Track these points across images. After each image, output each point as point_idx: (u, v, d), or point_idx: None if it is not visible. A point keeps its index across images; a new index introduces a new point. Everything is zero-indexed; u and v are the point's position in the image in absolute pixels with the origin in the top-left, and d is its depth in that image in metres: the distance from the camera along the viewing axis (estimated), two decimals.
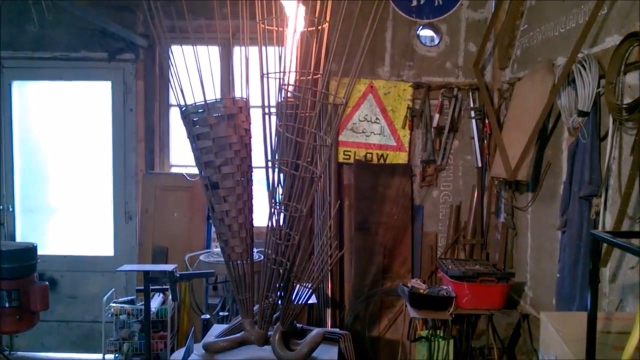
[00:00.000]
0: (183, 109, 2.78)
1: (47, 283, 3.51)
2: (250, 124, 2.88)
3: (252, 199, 2.88)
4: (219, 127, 2.75)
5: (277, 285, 2.70)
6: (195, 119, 2.80)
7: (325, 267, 2.70)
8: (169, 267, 3.58)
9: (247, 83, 2.83)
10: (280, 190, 2.70)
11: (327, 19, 2.61)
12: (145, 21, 4.64)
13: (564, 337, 1.93)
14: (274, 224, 2.64)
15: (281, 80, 2.57)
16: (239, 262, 2.81)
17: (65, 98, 4.84)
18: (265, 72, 2.68)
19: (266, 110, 2.74)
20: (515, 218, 4.12)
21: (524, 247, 3.94)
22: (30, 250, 3.41)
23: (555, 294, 3.18)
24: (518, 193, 4.07)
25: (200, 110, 2.76)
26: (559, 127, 3.38)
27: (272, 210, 2.67)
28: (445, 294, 3.58)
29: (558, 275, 3.12)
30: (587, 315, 1.74)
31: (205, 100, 2.74)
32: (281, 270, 2.65)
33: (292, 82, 2.60)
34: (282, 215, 2.62)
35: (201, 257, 4.15)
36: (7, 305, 3.27)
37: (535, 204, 3.74)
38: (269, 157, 2.74)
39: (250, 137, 2.88)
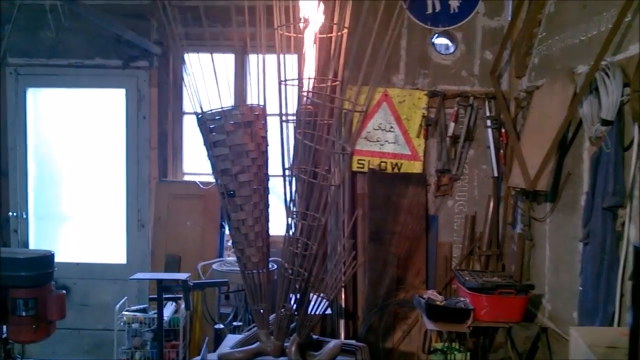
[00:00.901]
0: (199, 116, 2.72)
1: (64, 292, 3.40)
2: (267, 131, 2.82)
3: (268, 207, 2.82)
4: (236, 134, 2.69)
5: (294, 295, 2.63)
6: (211, 126, 2.74)
7: (343, 278, 2.62)
8: (182, 275, 3.52)
9: (264, 90, 2.78)
10: (296, 198, 2.63)
11: (347, 24, 2.54)
12: (160, 28, 4.60)
13: (597, 354, 1.84)
14: (292, 233, 2.57)
15: (300, 87, 2.50)
16: (255, 271, 2.74)
17: (79, 105, 4.81)
18: (283, 78, 2.62)
19: (284, 117, 2.67)
20: (533, 229, 4.02)
21: (541, 259, 3.84)
22: (47, 258, 3.30)
23: (578, 307, 3.08)
24: (535, 203, 3.98)
25: (217, 118, 2.71)
26: (580, 136, 3.30)
27: (290, 219, 2.60)
28: (463, 306, 3.49)
29: (580, 288, 3.03)
30: (629, 331, 1.65)
31: (222, 107, 2.69)
32: (298, 281, 2.58)
33: (310, 89, 2.54)
34: (299, 225, 2.55)
35: (214, 266, 4.08)
36: (23, 314, 3.15)
37: (554, 214, 3.65)
38: (286, 165, 2.67)
39: (267, 145, 2.82)
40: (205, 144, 2.77)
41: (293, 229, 2.61)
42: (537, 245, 3.95)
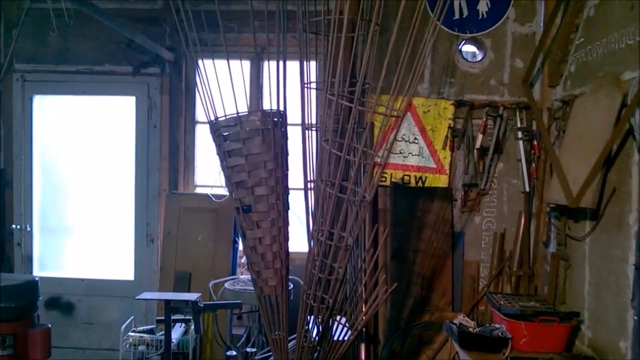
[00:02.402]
0: (212, 122, 2.42)
1: (49, 326, 2.89)
2: (287, 139, 2.51)
3: (287, 225, 2.49)
4: (252, 143, 2.38)
5: (316, 324, 2.29)
6: (225, 134, 2.43)
7: (372, 306, 2.29)
8: (192, 296, 3.21)
9: (284, 94, 2.47)
10: (320, 215, 2.30)
11: (378, 21, 2.23)
12: (172, 34, 4.32)
13: None
14: (315, 254, 2.24)
15: (327, 90, 2.18)
16: (272, 296, 2.41)
17: (87, 113, 4.52)
18: (307, 82, 2.31)
19: (306, 124, 2.35)
20: (569, 248, 3.67)
21: (579, 281, 3.48)
22: (30, 286, 2.80)
23: (632, 338, 2.72)
24: (572, 221, 3.63)
25: (231, 124, 2.40)
26: (627, 148, 2.95)
27: (313, 238, 2.27)
28: (500, 334, 3.12)
29: (636, 318, 2.66)
30: None
31: (237, 112, 2.38)
32: (322, 309, 2.24)
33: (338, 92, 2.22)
34: (323, 245, 2.22)
35: (226, 285, 3.75)
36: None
37: (595, 233, 3.29)
38: (309, 177, 2.34)
39: (287, 155, 2.50)
40: (218, 154, 2.46)
41: (316, 250, 2.28)
42: (575, 266, 3.60)
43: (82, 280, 4.42)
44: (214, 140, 2.45)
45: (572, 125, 3.47)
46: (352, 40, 2.36)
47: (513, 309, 3.19)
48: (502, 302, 3.31)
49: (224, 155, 2.40)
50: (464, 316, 3.42)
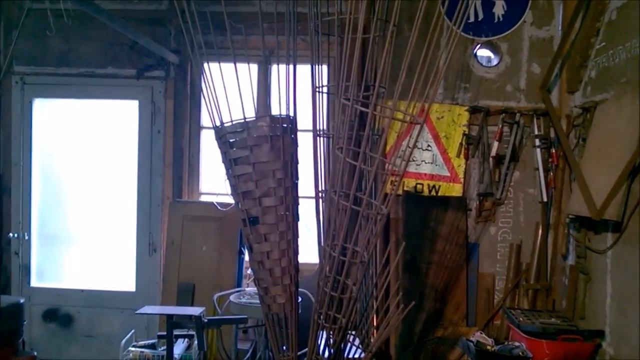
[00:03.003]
0: (218, 128, 2.26)
1: (34, 354, 2.65)
2: (297, 147, 2.35)
3: (297, 237, 2.33)
4: (260, 150, 2.23)
5: (328, 347, 2.13)
6: (232, 140, 2.28)
7: (389, 324, 2.12)
8: (195, 310, 3.05)
9: (294, 100, 2.31)
10: (332, 228, 2.14)
11: (395, 21, 2.07)
12: (177, 36, 4.17)
13: None
14: (327, 271, 2.08)
15: (340, 94, 2.02)
16: (281, 315, 2.24)
17: (89, 117, 4.35)
18: (318, 85, 2.15)
19: (318, 131, 2.20)
20: (589, 261, 3.50)
21: (601, 296, 3.31)
22: (14, 309, 2.52)
23: None
24: (592, 233, 3.46)
25: (238, 130, 2.24)
26: None
27: (325, 253, 2.11)
28: (520, 353, 2.95)
29: None
30: None
31: (244, 118, 2.22)
32: (334, 329, 2.08)
33: (349, 97, 2.06)
34: (337, 260, 2.06)
35: (231, 298, 3.59)
36: None
37: (618, 246, 3.12)
38: (321, 187, 2.18)
39: (296, 163, 2.34)
40: (224, 161, 2.30)
41: (328, 267, 2.12)
42: (595, 280, 3.42)
43: (82, 291, 4.25)
44: (220, 147, 2.30)
45: (594, 133, 3.30)
46: (368, 42, 2.21)
47: (533, 327, 3.02)
48: (521, 319, 3.14)
49: (230, 163, 2.25)
50: (480, 332, 3.25)
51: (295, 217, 2.31)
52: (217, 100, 2.25)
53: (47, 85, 4.26)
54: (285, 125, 2.26)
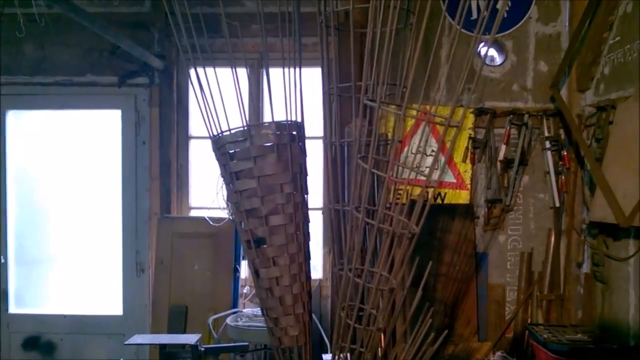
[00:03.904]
0: (216, 137, 1.96)
1: None
2: (305, 157, 2.06)
3: (309, 259, 2.03)
4: (266, 161, 1.93)
5: None
6: (232, 151, 1.98)
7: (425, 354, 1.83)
8: (190, 338, 2.74)
9: (301, 104, 2.02)
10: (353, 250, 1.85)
11: (415, 10, 1.80)
12: (162, 40, 3.85)
13: None
14: (348, 297, 1.78)
15: (354, 94, 1.74)
16: (294, 349, 1.94)
17: (67, 129, 3.99)
18: (331, 85, 1.86)
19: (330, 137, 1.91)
20: (608, 269, 3.26)
21: (622, 307, 3.07)
22: None
23: None
24: (612, 239, 3.22)
25: (239, 139, 1.94)
26: None
27: (342, 277, 1.82)
28: None
29: None
30: None
31: (246, 125, 1.93)
32: None
33: (370, 97, 1.77)
34: (360, 287, 1.77)
35: (228, 321, 3.27)
36: None
37: None
38: (335, 203, 1.89)
39: (305, 176, 2.05)
40: (223, 176, 2.00)
41: (349, 293, 1.83)
42: (616, 289, 3.18)
43: (65, 316, 3.87)
44: (218, 160, 2.00)
45: (616, 134, 3.06)
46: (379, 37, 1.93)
47: (560, 344, 2.75)
48: (545, 336, 2.87)
49: (231, 177, 1.94)
50: (502, 353, 2.98)
51: (307, 237, 2.01)
52: (214, 107, 1.95)
53: (21, 96, 3.88)
54: (292, 132, 1.97)
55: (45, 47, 3.88)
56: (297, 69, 2.03)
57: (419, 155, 3.64)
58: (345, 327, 1.78)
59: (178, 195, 3.94)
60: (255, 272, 1.96)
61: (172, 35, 3.76)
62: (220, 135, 1.97)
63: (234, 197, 1.95)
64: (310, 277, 2.01)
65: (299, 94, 2.03)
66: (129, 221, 3.88)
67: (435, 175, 3.48)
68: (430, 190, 3.63)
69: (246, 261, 2.09)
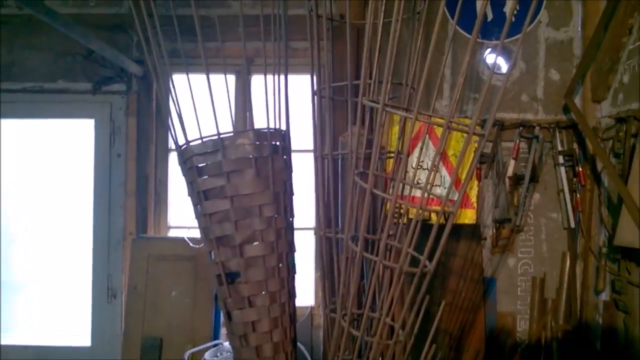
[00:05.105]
0: (181, 147, 1.57)
1: None
2: (291, 173, 1.67)
3: (294, 298, 1.63)
4: (242, 178, 1.53)
5: None
6: (200, 165, 1.58)
7: None
8: None
9: (286, 106, 1.63)
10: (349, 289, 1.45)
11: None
12: (141, 44, 3.46)
13: None
14: (342, 351, 1.38)
15: (350, 95, 1.35)
16: None
17: (35, 141, 3.60)
18: (322, 86, 1.47)
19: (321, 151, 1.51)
20: (631, 297, 2.88)
21: None
22: None
23: None
24: (634, 264, 2.85)
25: (209, 151, 1.55)
26: None
27: (339, 326, 1.41)
28: None
29: None
30: None
31: (218, 133, 1.54)
32: None
33: (370, 100, 1.39)
34: (360, 333, 1.37)
35: (206, 355, 2.86)
36: None
37: None
38: (327, 231, 1.49)
39: (291, 196, 1.66)
40: (190, 195, 1.60)
41: (341, 342, 1.43)
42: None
43: (26, 347, 3.42)
44: (184, 175, 1.61)
45: None
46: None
47: None
48: None
49: (199, 197, 1.55)
50: None
51: (292, 270, 1.61)
52: (178, 110, 1.56)
53: None
54: (275, 142, 1.57)
55: (12, 52, 3.50)
56: (284, 71, 1.66)
57: (424, 171, 3.28)
58: None
59: (155, 213, 3.53)
60: (227, 314, 1.56)
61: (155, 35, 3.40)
62: (186, 145, 1.58)
63: (202, 222, 1.55)
64: (295, 321, 1.61)
65: (283, 97, 1.65)
66: (100, 242, 3.45)
67: (454, 195, 3.12)
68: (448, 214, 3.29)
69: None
